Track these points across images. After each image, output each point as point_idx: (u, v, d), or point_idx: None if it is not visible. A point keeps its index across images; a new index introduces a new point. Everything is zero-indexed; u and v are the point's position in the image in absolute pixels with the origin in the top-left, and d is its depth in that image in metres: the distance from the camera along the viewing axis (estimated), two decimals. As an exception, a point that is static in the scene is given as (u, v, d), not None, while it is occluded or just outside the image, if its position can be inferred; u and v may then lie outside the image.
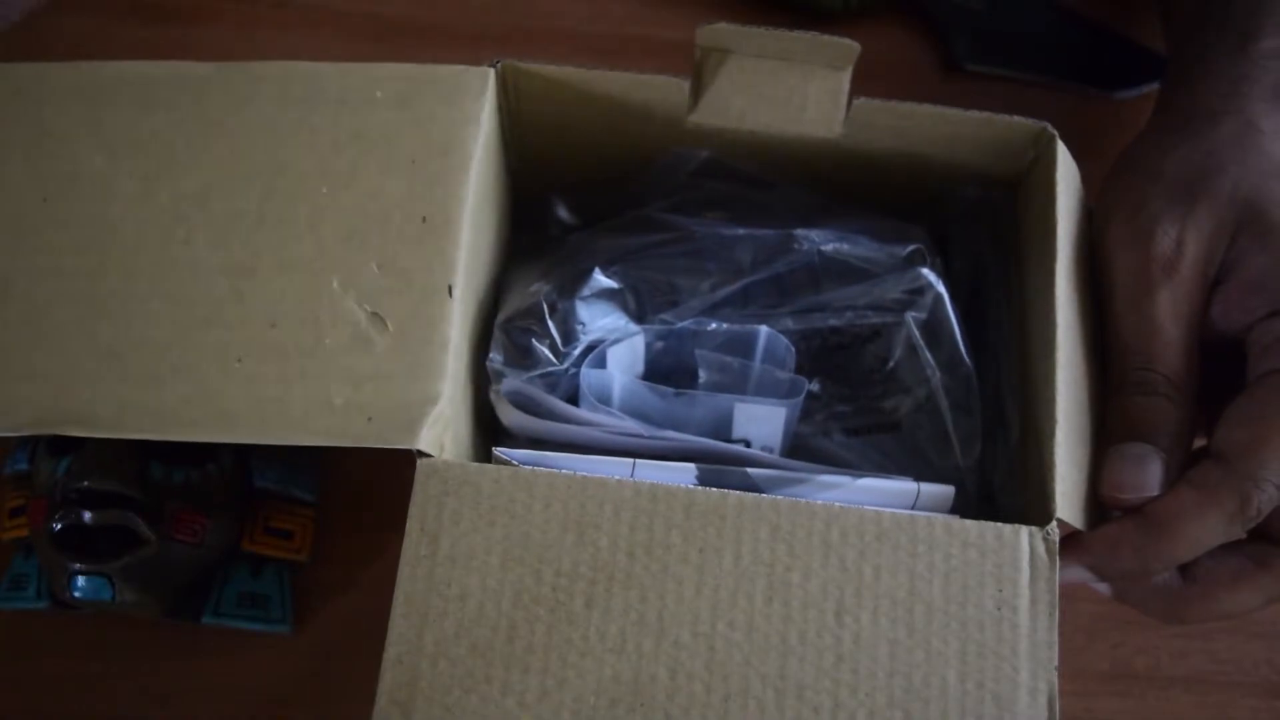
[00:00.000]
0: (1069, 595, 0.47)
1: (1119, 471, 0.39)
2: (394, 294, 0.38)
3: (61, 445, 0.46)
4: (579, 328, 0.41)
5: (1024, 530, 0.36)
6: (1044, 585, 0.36)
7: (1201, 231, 0.40)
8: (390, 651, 0.35)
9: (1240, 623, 0.49)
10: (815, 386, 0.44)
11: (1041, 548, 0.36)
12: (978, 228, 0.45)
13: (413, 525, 0.36)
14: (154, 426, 0.37)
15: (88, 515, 0.43)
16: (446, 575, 0.36)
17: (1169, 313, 0.39)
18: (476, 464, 0.37)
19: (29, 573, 0.47)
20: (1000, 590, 0.35)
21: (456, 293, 0.38)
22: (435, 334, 0.38)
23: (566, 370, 0.41)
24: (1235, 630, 0.49)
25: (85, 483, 0.43)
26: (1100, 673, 0.48)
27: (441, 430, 0.37)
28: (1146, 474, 0.38)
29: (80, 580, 0.44)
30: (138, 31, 0.60)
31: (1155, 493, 0.38)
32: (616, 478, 0.37)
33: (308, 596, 0.49)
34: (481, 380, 0.42)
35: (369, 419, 0.37)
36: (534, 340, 0.40)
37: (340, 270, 0.39)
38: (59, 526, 0.43)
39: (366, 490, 0.51)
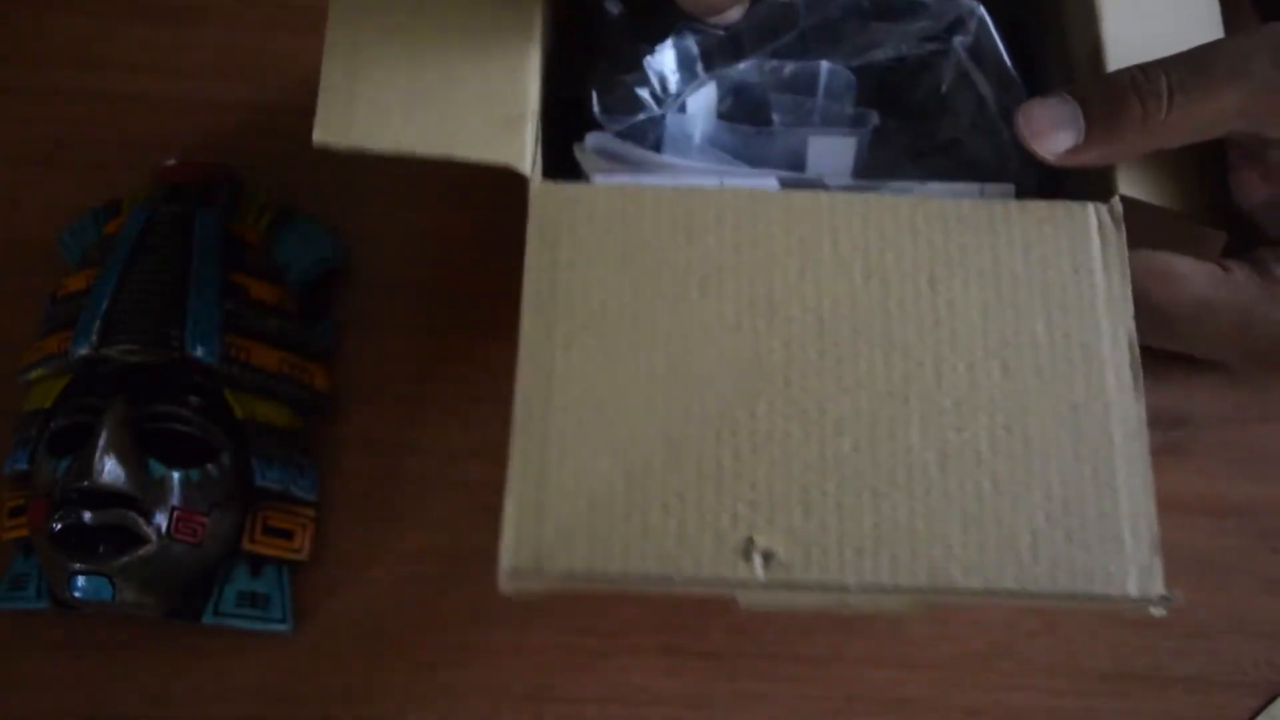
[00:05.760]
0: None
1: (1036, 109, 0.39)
2: None
3: (61, 445, 0.46)
4: (671, 77, 0.43)
5: (1090, 205, 0.39)
6: (1114, 251, 0.39)
7: None
8: (524, 350, 0.37)
9: (1240, 623, 0.49)
10: (876, 120, 0.46)
11: (1108, 218, 0.39)
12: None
13: (532, 236, 0.38)
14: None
15: (88, 515, 0.44)
16: (568, 278, 0.38)
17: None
18: (585, 184, 0.40)
19: (29, 573, 0.47)
20: (1075, 257, 0.39)
21: None
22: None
23: (663, 116, 0.43)
24: (1235, 630, 0.49)
25: (85, 483, 0.43)
26: (1100, 673, 0.49)
27: None
28: (1066, 113, 0.39)
29: (80, 580, 0.44)
30: (138, 31, 0.59)
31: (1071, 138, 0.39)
32: (716, 185, 0.40)
33: (308, 596, 0.49)
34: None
35: None
36: (637, 88, 0.42)
37: None
38: (59, 526, 0.44)
39: (366, 490, 0.51)
